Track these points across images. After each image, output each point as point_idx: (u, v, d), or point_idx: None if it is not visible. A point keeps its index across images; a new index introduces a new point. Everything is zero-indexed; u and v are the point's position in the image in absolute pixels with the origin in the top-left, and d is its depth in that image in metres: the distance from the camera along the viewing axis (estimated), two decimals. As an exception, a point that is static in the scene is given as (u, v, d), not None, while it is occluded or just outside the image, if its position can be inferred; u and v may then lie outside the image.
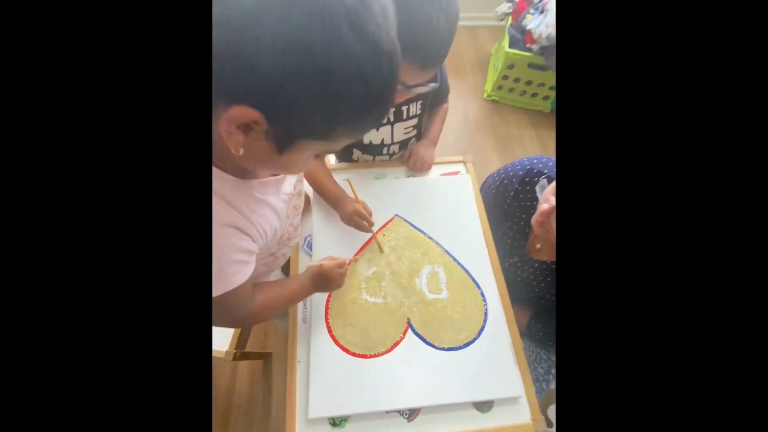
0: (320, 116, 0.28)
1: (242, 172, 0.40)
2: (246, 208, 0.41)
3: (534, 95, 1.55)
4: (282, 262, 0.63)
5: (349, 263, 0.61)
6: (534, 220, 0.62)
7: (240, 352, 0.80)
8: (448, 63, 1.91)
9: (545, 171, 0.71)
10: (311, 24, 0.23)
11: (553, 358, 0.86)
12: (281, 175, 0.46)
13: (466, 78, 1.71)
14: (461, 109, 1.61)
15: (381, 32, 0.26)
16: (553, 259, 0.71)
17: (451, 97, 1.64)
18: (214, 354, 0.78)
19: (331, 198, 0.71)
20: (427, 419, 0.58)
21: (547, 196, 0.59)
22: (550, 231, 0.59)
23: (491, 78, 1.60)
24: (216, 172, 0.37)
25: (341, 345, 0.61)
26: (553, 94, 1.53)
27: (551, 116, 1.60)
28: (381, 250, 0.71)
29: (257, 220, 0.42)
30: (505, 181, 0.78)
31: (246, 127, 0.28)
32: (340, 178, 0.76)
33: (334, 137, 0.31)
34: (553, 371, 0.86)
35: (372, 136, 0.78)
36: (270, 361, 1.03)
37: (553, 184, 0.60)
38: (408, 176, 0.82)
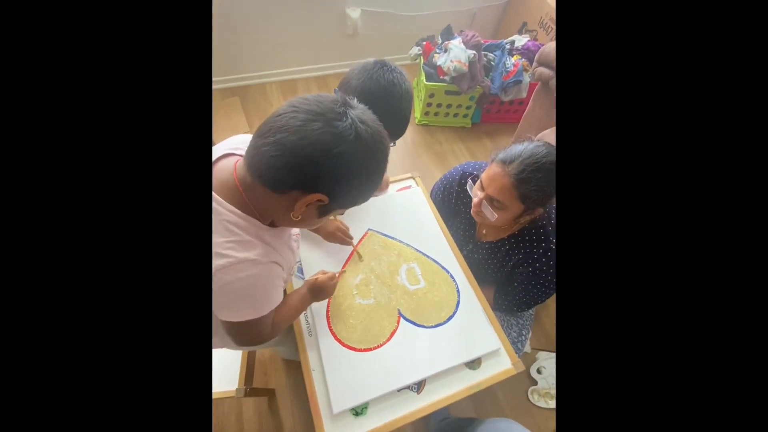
0: (358, 195, 0.46)
1: (271, 223, 0.51)
2: (279, 249, 0.53)
3: (456, 115, 1.85)
4: (285, 287, 0.72)
5: (338, 275, 0.72)
6: (472, 212, 0.80)
7: (250, 388, 0.84)
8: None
9: (473, 172, 0.91)
10: (350, 136, 0.40)
11: (521, 321, 1.03)
12: None
13: (397, 109, 1.98)
14: (399, 136, 1.85)
15: (384, 136, 0.45)
16: (495, 239, 0.89)
17: (389, 127, 1.84)
18: (222, 396, 0.81)
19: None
20: (433, 387, 0.69)
21: (475, 192, 0.77)
22: (484, 217, 0.77)
23: (418, 106, 1.87)
24: (261, 225, 0.49)
25: (347, 345, 0.71)
26: (470, 112, 1.84)
27: (472, 129, 1.91)
28: (361, 259, 0.83)
29: (285, 258, 0.54)
30: (447, 186, 0.97)
31: (314, 205, 0.44)
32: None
33: (353, 205, 0.49)
34: (524, 332, 1.02)
35: None
36: (275, 397, 1.05)
37: (479, 180, 0.79)
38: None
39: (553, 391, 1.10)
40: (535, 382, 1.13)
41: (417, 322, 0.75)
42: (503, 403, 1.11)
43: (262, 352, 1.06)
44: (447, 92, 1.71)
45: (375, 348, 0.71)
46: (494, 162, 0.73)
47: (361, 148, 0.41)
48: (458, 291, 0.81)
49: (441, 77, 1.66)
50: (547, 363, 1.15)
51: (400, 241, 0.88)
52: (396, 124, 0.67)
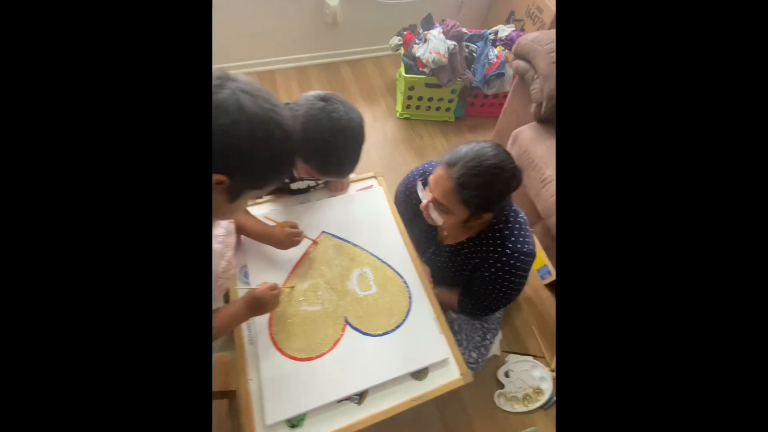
0: (263, 171, 0.45)
1: None
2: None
3: (438, 108, 1.79)
4: (219, 293, 0.69)
5: (283, 285, 0.69)
6: (424, 215, 0.76)
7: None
8: (361, 91, 2.09)
9: (429, 174, 0.87)
10: (255, 124, 0.40)
11: (486, 324, 1.00)
12: (215, 222, 0.58)
13: (378, 102, 1.91)
14: (379, 130, 1.79)
15: (288, 128, 0.44)
16: (456, 242, 0.85)
17: (369, 120, 1.82)
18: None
19: (259, 236, 0.78)
20: (375, 398, 0.67)
21: (426, 194, 0.74)
22: (432, 221, 0.74)
23: (399, 99, 1.81)
24: None
25: (287, 354, 0.68)
26: (452, 105, 1.78)
27: (455, 124, 1.85)
28: (316, 243, 0.82)
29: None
30: (409, 186, 0.93)
31: (217, 189, 0.42)
32: (266, 209, 0.85)
33: (266, 187, 0.48)
34: (488, 335, 1.00)
35: (299, 184, 0.88)
36: (234, 399, 1.03)
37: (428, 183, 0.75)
38: (329, 197, 0.93)
39: (520, 395, 1.09)
40: (502, 386, 1.11)
41: (364, 331, 0.72)
42: (468, 406, 1.10)
43: (224, 354, 1.04)
44: (427, 85, 1.65)
45: (317, 357, 0.69)
46: (439, 164, 0.69)
47: (247, 118, 0.38)
48: (410, 297, 0.78)
49: (420, 69, 1.60)
50: (515, 366, 1.13)
51: (355, 245, 0.84)
52: (336, 158, 0.67)
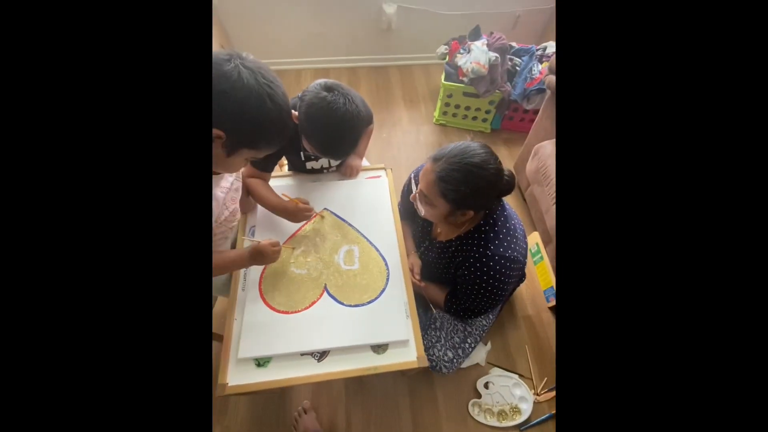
0: (255, 135, 0.54)
1: None
2: None
3: (474, 118, 1.81)
4: (222, 240, 0.80)
5: (283, 244, 0.78)
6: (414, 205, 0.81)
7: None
8: (404, 95, 2.17)
9: None
10: (250, 92, 0.49)
11: (469, 329, 1.01)
12: (221, 174, 0.68)
13: (419, 107, 1.98)
14: (413, 133, 1.86)
15: (281, 103, 0.53)
16: (445, 239, 0.89)
17: (405, 123, 1.89)
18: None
19: (274, 207, 0.88)
20: (334, 359, 0.73)
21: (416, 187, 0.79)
22: (419, 212, 0.79)
23: (438, 106, 1.86)
24: None
25: (270, 305, 0.78)
26: (489, 117, 1.78)
27: (490, 135, 1.85)
28: (322, 218, 0.92)
29: None
30: (414, 180, 0.99)
31: (216, 142, 0.52)
32: (283, 183, 0.97)
33: (259, 149, 0.57)
34: (469, 339, 1.00)
35: (313, 164, 0.99)
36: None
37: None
38: (339, 180, 1.02)
39: (495, 409, 1.07)
40: (479, 396, 1.10)
41: (338, 299, 0.80)
42: (441, 411, 1.10)
43: (221, 299, 1.16)
44: (465, 94, 1.68)
45: (293, 312, 0.77)
46: (429, 158, 0.74)
47: (242, 87, 0.48)
48: (388, 280, 0.83)
49: (460, 78, 1.63)
50: (496, 380, 1.11)
51: (351, 225, 0.92)
52: (329, 141, 0.75)
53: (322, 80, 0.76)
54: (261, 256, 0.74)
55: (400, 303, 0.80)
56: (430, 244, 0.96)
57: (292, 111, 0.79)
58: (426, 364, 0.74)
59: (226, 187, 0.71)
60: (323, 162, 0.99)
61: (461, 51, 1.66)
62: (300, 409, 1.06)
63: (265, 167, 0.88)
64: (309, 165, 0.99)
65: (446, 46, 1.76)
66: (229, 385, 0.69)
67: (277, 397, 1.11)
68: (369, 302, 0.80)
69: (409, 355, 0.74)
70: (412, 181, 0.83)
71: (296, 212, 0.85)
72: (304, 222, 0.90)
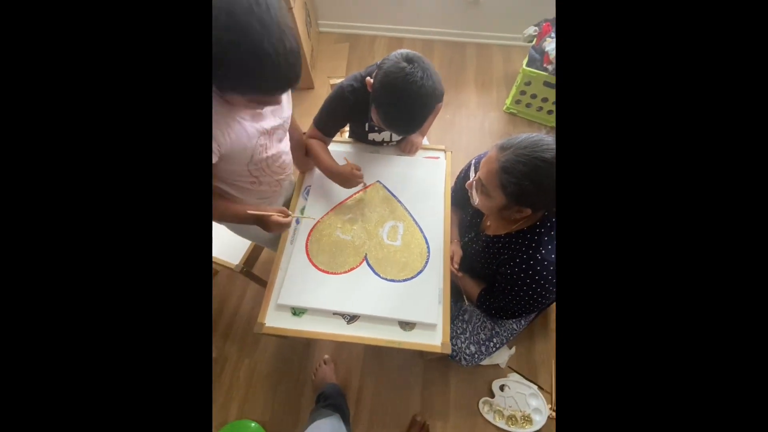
0: (233, 80, 0.49)
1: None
2: (221, 121, 0.59)
3: (549, 112, 1.66)
4: (268, 189, 0.80)
5: (294, 213, 0.78)
6: (468, 190, 0.78)
7: (246, 269, 1.05)
8: (477, 77, 2.06)
9: None
10: (226, 33, 0.43)
11: (497, 329, 0.99)
12: (262, 111, 0.66)
13: (490, 92, 1.86)
14: (479, 119, 1.76)
15: (273, 41, 0.46)
16: (494, 233, 0.85)
17: (472, 106, 1.80)
18: (226, 264, 1.04)
19: (328, 170, 0.89)
20: (362, 325, 0.77)
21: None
22: (474, 199, 0.76)
23: (512, 92, 1.73)
24: (214, 98, 0.57)
25: (313, 262, 0.83)
26: (568, 114, 1.62)
27: (565, 134, 1.69)
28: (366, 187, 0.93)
29: (226, 131, 0.60)
30: (468, 170, 0.95)
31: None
32: (342, 149, 0.99)
33: (245, 94, 0.52)
34: (495, 339, 0.98)
35: (375, 137, 0.99)
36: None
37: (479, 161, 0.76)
38: (397, 155, 1.02)
39: (506, 412, 1.05)
40: (492, 396, 1.09)
41: (376, 270, 0.82)
42: (452, 400, 1.12)
43: (271, 251, 1.26)
44: (546, 83, 1.54)
45: (333, 273, 0.81)
46: (495, 146, 0.69)
47: (235, 30, 0.43)
48: (427, 263, 0.83)
49: (544, 65, 1.49)
50: (513, 385, 1.08)
51: (400, 201, 0.92)
52: (399, 115, 0.73)
53: (404, 50, 0.73)
54: (263, 224, 0.73)
55: (435, 287, 0.80)
56: (476, 235, 0.93)
57: (367, 78, 0.79)
58: (448, 351, 0.74)
59: (266, 128, 0.68)
60: (385, 135, 0.98)
61: (552, 35, 1.51)
62: (321, 360, 1.14)
63: (328, 131, 0.90)
64: (371, 136, 0.99)
65: (536, 28, 1.60)
66: (266, 325, 0.76)
67: (303, 345, 1.21)
68: (404, 280, 0.81)
69: (434, 338, 0.75)
70: (472, 167, 0.79)
71: (349, 177, 0.86)
72: (355, 191, 0.92)
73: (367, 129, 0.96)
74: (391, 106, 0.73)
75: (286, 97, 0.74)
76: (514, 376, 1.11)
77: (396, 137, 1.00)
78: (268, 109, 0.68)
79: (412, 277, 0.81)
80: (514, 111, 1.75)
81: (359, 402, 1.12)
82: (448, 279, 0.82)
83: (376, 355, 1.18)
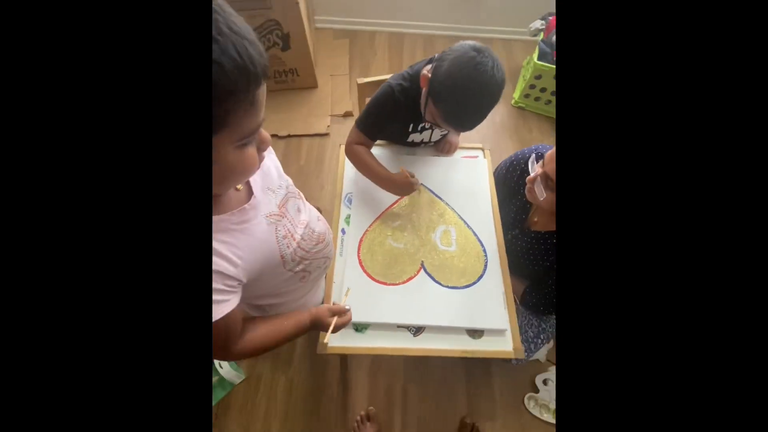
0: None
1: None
2: (218, 243, 0.42)
3: (558, 105, 1.68)
4: (320, 271, 0.68)
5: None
6: (526, 189, 0.77)
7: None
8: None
9: (545, 153, 0.85)
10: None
11: (543, 325, 0.99)
12: (252, 201, 0.47)
13: (496, 85, 1.87)
14: (490, 113, 1.76)
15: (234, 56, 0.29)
16: (546, 229, 0.84)
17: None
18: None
19: (379, 178, 0.84)
20: (429, 337, 0.74)
21: (536, 168, 0.74)
22: (534, 196, 0.74)
23: (520, 86, 1.74)
24: None
25: (368, 273, 0.79)
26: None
27: (573, 126, 1.72)
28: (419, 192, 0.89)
29: (232, 251, 0.44)
30: (515, 163, 0.93)
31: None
32: (375, 153, 0.95)
33: (229, 124, 0.32)
34: (542, 336, 0.98)
35: (415, 137, 0.94)
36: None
37: (543, 157, 0.74)
38: (434, 155, 0.99)
39: (552, 405, 1.06)
40: (536, 391, 1.10)
41: (435, 278, 0.79)
42: (497, 399, 1.11)
43: None
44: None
45: (391, 284, 0.78)
46: None
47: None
48: (486, 266, 0.81)
49: (555, 58, 1.50)
50: (555, 378, 1.10)
51: (447, 204, 0.90)
52: (464, 108, 0.69)
53: (470, 41, 0.69)
54: (322, 323, 0.60)
55: (498, 291, 0.78)
56: (520, 232, 0.92)
57: (423, 72, 0.74)
58: (522, 356, 0.73)
59: (273, 213, 0.52)
60: (424, 136, 0.95)
61: (561, 28, 1.52)
62: (363, 414, 1.06)
63: (373, 135, 0.86)
64: (412, 137, 0.95)
65: (543, 21, 1.61)
66: (329, 345, 0.71)
67: (340, 356, 1.16)
68: (466, 286, 0.78)
69: (505, 344, 0.74)
70: (533, 161, 0.77)
71: (404, 185, 0.82)
72: (397, 199, 0.89)
73: (410, 129, 0.92)
74: (456, 98, 0.68)
75: (271, 161, 0.56)
76: (555, 369, 1.12)
77: (435, 137, 0.97)
78: (258, 187, 0.50)
79: (474, 283, 0.79)
80: (523, 105, 1.76)
81: (405, 410, 1.09)
82: (508, 280, 0.80)
83: (417, 362, 1.16)
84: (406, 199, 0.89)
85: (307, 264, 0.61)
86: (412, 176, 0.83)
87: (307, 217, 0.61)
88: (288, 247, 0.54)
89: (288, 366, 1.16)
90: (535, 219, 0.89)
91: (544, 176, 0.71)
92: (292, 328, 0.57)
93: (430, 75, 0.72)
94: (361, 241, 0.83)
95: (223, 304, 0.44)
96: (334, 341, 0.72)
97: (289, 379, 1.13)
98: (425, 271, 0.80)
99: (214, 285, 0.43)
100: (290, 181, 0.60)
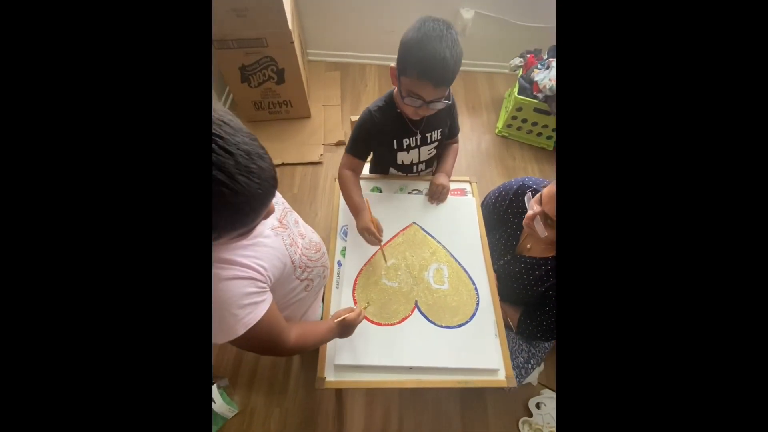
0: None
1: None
2: (239, 257, 0.49)
3: (539, 135, 1.78)
4: (319, 281, 0.75)
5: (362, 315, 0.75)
6: (524, 222, 0.82)
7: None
8: (467, 102, 2.17)
9: (533, 186, 0.91)
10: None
11: (533, 350, 1.03)
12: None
13: (481, 115, 1.96)
14: (475, 141, 1.85)
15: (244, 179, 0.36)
16: (539, 256, 0.88)
17: (467, 130, 1.89)
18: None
19: (352, 208, 0.90)
20: (423, 370, 0.76)
21: (531, 205, 0.79)
22: (535, 231, 0.79)
23: (503, 117, 1.84)
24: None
25: (365, 316, 0.81)
26: (554, 135, 1.75)
27: (552, 153, 1.82)
28: (385, 261, 0.88)
29: (254, 261, 0.50)
30: (503, 193, 0.99)
31: None
32: (368, 186, 0.99)
33: (225, 234, 0.41)
34: (532, 361, 1.02)
35: (404, 158, 0.99)
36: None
37: (538, 194, 0.80)
38: (426, 194, 1.03)
39: (546, 429, 1.10)
40: (530, 415, 1.13)
41: (429, 318, 0.82)
42: (491, 422, 1.14)
43: None
44: (536, 109, 1.65)
45: (386, 325, 0.81)
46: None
47: None
48: (478, 305, 0.85)
49: (534, 93, 1.61)
50: (548, 401, 1.13)
51: (438, 242, 0.94)
52: (432, 55, 0.69)
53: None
54: (348, 327, 0.70)
55: (491, 331, 0.82)
56: (513, 258, 0.94)
57: (391, 65, 0.80)
58: (514, 384, 0.76)
59: (275, 227, 0.60)
60: (413, 156, 0.98)
61: (539, 66, 1.63)
62: None
63: (360, 154, 0.91)
64: (400, 157, 0.98)
65: (521, 59, 1.72)
66: (327, 380, 0.73)
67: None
68: (459, 325, 0.82)
69: (498, 374, 0.77)
70: (528, 198, 0.82)
71: (363, 230, 0.85)
72: (395, 234, 0.93)
73: (396, 147, 0.94)
74: (422, 52, 0.70)
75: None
76: (547, 392, 1.16)
77: (424, 157, 1.00)
78: None
79: (467, 322, 0.83)
80: (506, 134, 1.85)
81: (402, 440, 1.11)
82: (499, 311, 0.84)
83: (411, 391, 1.18)
84: (399, 238, 0.94)
85: (310, 272, 0.68)
86: (378, 228, 0.85)
87: (304, 229, 0.70)
88: (295, 253, 0.61)
89: (283, 397, 1.16)
90: (528, 246, 0.92)
91: (543, 215, 0.76)
92: (324, 329, 0.66)
93: (395, 64, 0.77)
94: (355, 282, 0.86)
95: (261, 305, 0.51)
96: (332, 375, 0.74)
97: (283, 411, 1.13)
98: (419, 310, 0.83)
99: (248, 289, 0.48)
100: (282, 197, 0.67)
